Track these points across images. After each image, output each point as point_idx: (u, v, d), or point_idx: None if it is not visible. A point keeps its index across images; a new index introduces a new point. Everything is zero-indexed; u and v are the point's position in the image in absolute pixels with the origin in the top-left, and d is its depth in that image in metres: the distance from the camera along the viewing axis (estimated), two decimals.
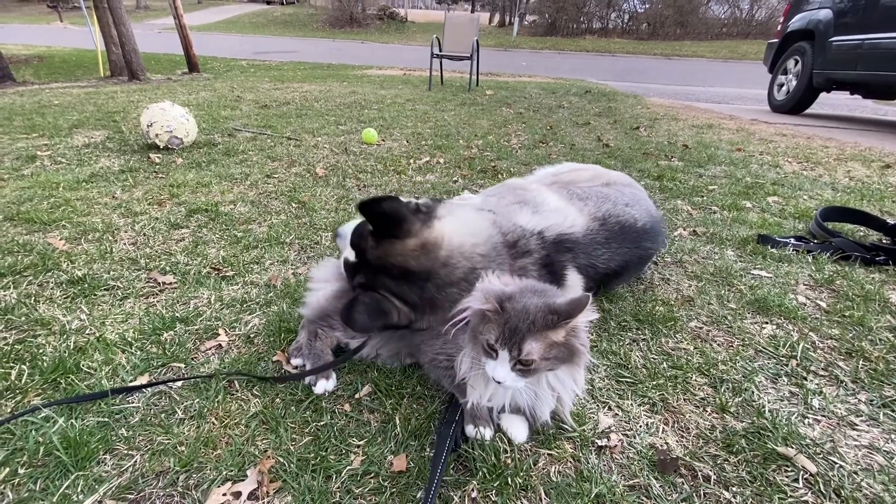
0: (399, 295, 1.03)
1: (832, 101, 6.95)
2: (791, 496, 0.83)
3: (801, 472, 0.87)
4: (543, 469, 0.88)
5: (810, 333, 1.29)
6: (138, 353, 1.18)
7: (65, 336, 1.23)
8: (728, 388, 1.08)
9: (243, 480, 0.84)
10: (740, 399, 1.05)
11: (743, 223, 2.07)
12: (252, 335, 1.28)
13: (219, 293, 1.46)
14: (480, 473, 0.85)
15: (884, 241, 1.86)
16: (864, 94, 5.13)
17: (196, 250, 1.73)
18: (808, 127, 4.69)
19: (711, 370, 1.14)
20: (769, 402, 1.04)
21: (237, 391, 1.06)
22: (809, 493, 0.83)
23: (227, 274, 1.58)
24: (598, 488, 0.82)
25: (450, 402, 1.00)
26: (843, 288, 1.52)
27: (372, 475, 0.86)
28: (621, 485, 0.85)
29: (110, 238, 1.81)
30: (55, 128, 3.61)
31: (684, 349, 1.22)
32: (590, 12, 19.78)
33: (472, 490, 0.83)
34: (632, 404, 1.04)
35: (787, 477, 0.86)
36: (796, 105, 5.50)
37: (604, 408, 1.03)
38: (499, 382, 0.82)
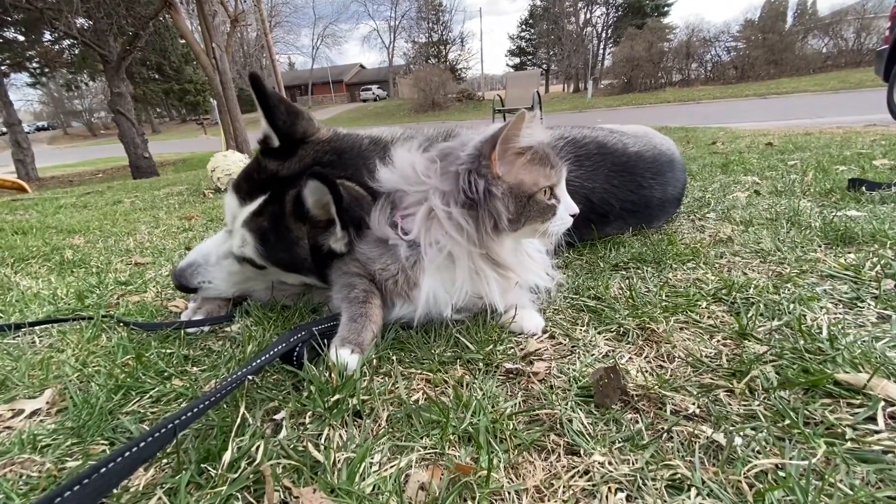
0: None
1: None
2: (857, 439, 0.41)
3: (883, 406, 0.44)
4: (405, 395, 0.56)
5: None
6: (51, 307, 1.11)
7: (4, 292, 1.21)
8: (759, 313, 0.67)
9: (35, 398, 0.66)
10: (779, 323, 0.63)
11: (830, 180, 1.55)
12: None
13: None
14: (306, 393, 0.57)
15: None
16: None
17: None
18: None
19: (736, 294, 0.73)
20: (831, 325, 0.61)
21: (120, 330, 0.92)
22: None
23: None
24: (475, 418, 0.49)
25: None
26: None
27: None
28: (522, 416, 0.50)
29: (124, 238, 1.90)
30: (152, 186, 4.21)
31: (698, 279, 0.82)
32: (668, 66, 19.34)
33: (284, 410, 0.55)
34: (587, 331, 0.68)
35: (847, 414, 0.45)
36: None
37: (543, 336, 0.69)
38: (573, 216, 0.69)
